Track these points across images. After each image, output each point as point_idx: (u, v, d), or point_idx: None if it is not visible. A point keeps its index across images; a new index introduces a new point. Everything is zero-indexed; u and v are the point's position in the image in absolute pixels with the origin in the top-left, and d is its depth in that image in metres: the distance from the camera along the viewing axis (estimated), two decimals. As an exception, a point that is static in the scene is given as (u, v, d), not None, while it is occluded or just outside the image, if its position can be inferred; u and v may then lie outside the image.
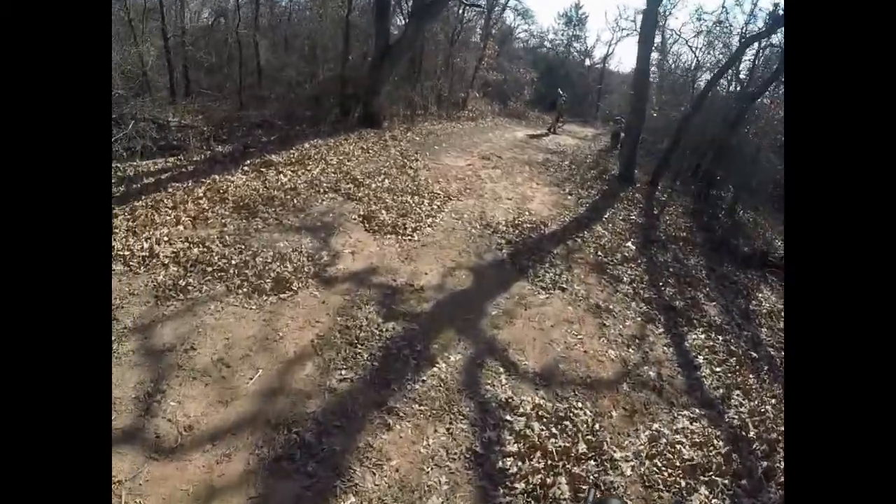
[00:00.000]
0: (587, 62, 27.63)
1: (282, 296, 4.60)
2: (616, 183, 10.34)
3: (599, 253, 6.86)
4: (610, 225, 8.08)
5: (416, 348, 4.21)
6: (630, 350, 4.87)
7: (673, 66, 16.23)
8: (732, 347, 5.43)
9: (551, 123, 16.95)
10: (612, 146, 15.41)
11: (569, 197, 9.08)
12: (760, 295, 7.37)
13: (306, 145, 9.06)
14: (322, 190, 7.09)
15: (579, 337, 4.84)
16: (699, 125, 10.35)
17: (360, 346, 4.12)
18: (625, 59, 64.51)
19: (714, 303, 6.48)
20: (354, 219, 6.36)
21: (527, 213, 7.77)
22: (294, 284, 4.78)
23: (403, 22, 13.70)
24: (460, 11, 16.57)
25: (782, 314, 6.77)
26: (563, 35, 27.32)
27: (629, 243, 7.59)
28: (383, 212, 6.62)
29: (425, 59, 15.27)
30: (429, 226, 6.52)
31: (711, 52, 13.58)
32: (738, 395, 4.57)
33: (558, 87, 18.68)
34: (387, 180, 7.93)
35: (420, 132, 12.05)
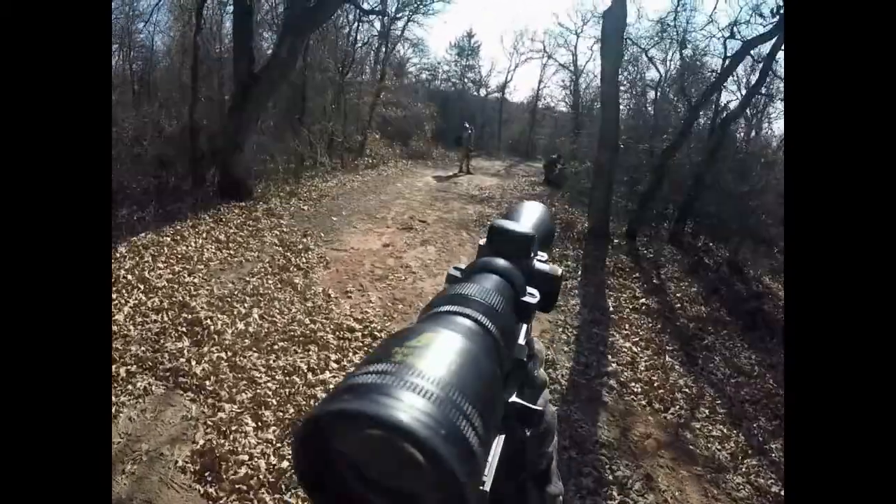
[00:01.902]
0: (483, 92, 25.97)
1: None
2: (590, 244, 7.65)
3: (657, 404, 3.91)
4: (626, 327, 5.24)
5: None
6: None
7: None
8: None
9: (461, 162, 14.50)
10: (547, 177, 13.77)
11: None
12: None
13: (121, 250, 5.18)
14: (124, 371, 3.35)
15: None
16: (677, 157, 8.09)
17: None
18: (520, 87, 66.40)
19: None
20: (182, 471, 2.66)
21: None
22: None
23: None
24: (350, 35, 13.58)
25: None
26: (456, 66, 25.45)
27: (668, 357, 4.80)
28: (248, 423, 2.99)
29: (310, 94, 11.89)
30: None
31: (652, 67, 11.74)
32: None
33: (464, 121, 16.16)
34: (255, 310, 4.38)
35: (308, 195, 8.59)
